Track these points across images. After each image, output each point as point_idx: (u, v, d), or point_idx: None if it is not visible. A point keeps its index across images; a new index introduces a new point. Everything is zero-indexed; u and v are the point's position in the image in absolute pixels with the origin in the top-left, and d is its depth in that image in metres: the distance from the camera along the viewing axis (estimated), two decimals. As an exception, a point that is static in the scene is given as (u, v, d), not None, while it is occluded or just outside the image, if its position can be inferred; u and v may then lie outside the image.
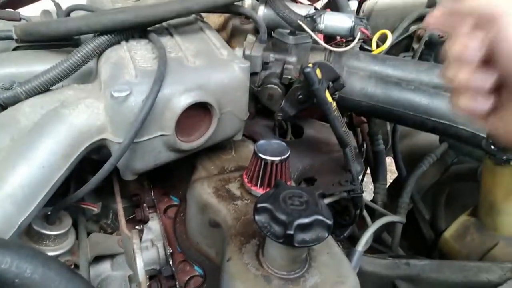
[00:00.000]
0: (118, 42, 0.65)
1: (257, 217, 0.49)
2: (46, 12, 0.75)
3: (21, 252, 0.38)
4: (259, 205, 0.49)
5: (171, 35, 0.71)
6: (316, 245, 0.56)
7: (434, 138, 1.14)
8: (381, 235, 1.14)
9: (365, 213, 0.94)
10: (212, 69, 0.63)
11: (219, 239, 0.65)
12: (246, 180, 0.66)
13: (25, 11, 0.94)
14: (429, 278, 0.65)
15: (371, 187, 1.19)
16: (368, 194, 1.38)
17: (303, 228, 0.47)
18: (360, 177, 0.82)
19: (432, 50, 1.27)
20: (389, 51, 1.24)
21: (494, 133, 0.41)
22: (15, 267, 0.37)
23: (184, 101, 0.58)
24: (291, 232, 0.46)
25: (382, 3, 1.30)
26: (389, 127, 1.26)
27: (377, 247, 1.11)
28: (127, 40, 0.66)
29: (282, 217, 0.47)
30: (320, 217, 0.48)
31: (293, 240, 0.46)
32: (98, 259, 0.71)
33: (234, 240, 0.58)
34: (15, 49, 0.72)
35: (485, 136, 0.71)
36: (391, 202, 1.12)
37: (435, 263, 0.67)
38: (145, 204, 0.80)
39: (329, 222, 0.48)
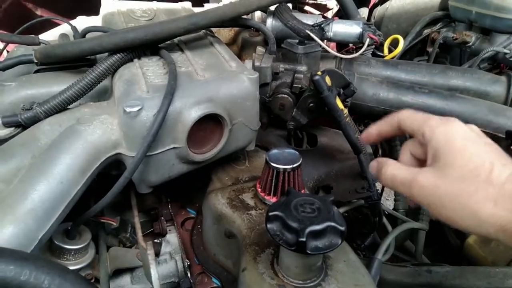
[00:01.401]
0: (131, 60, 0.68)
1: (269, 226, 0.49)
2: (63, 36, 0.78)
3: (38, 264, 0.39)
4: (270, 213, 0.49)
5: (182, 50, 0.73)
6: (332, 253, 0.56)
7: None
8: (404, 243, 1.11)
9: (385, 220, 0.92)
10: (221, 81, 0.64)
11: (235, 249, 0.65)
12: (259, 189, 0.66)
13: (45, 36, 0.99)
14: (452, 286, 0.63)
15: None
16: (392, 203, 1.35)
17: (316, 235, 0.46)
18: (376, 184, 0.80)
19: (447, 52, 1.26)
20: (403, 56, 1.23)
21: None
22: (33, 279, 0.38)
23: (194, 113, 0.60)
24: (303, 239, 0.45)
25: (393, 8, 1.29)
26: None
27: (401, 256, 1.08)
28: (139, 58, 0.68)
29: (294, 224, 0.47)
30: (333, 224, 0.47)
31: (306, 247, 0.46)
32: (118, 272, 0.72)
33: (249, 250, 0.58)
34: (36, 71, 0.76)
35: (504, 136, 0.69)
36: (415, 209, 1.09)
37: (458, 269, 0.64)
38: (162, 218, 0.81)
39: (342, 228, 0.47)
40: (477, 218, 0.41)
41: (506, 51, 1.03)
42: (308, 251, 0.46)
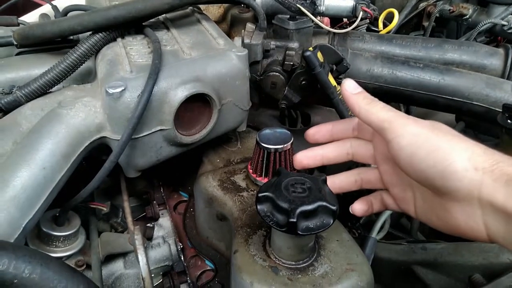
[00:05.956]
0: (114, 39, 0.65)
1: (259, 207, 0.48)
2: (44, 16, 0.75)
3: (18, 253, 0.38)
4: (260, 195, 0.48)
5: (168, 28, 0.70)
6: (325, 233, 0.55)
7: (450, 118, 1.09)
8: (400, 220, 1.11)
9: (381, 198, 0.91)
10: (208, 60, 0.62)
11: (227, 232, 0.64)
12: (251, 170, 0.65)
13: (27, 17, 0.96)
14: (447, 262, 0.62)
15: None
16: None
17: (307, 215, 0.45)
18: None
19: (443, 26, 1.22)
20: (399, 31, 1.20)
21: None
22: (12, 268, 0.37)
23: (181, 93, 0.57)
24: (294, 220, 0.44)
25: (388, -19, 1.25)
26: (403, 109, 1.22)
27: (397, 233, 1.08)
28: (122, 37, 0.66)
29: (284, 205, 0.45)
30: (324, 203, 0.46)
31: (297, 228, 0.45)
32: (111, 258, 0.71)
33: (241, 232, 0.57)
34: (17, 54, 0.73)
35: (500, 110, 0.67)
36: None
37: (453, 245, 0.63)
38: (155, 202, 0.80)
39: (334, 208, 0.46)
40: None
41: (504, 22, 1.00)
42: (299, 232, 0.45)
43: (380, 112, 0.48)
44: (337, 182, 0.57)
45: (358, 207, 0.56)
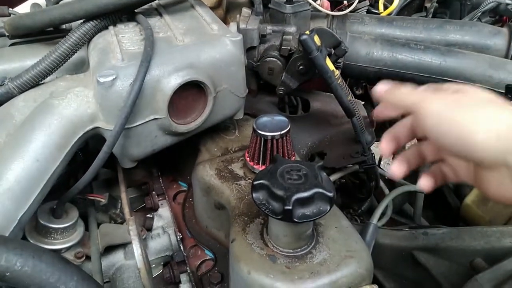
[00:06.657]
0: (106, 27, 0.64)
1: (254, 195, 0.47)
2: (35, 5, 0.74)
3: (10, 245, 0.38)
4: (256, 182, 0.47)
5: (160, 15, 0.69)
6: (323, 220, 0.54)
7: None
8: (403, 207, 1.10)
9: (382, 184, 0.90)
10: (202, 46, 0.60)
11: (226, 221, 0.64)
12: (248, 159, 0.64)
13: (21, 8, 0.94)
14: (448, 247, 0.61)
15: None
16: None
17: (303, 202, 0.44)
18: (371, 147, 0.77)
19: (446, 7, 1.19)
20: (400, 13, 1.17)
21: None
22: (4, 261, 0.37)
23: (174, 81, 0.56)
24: (289, 207, 0.43)
25: (389, -38, 1.22)
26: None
27: (400, 219, 1.07)
28: (114, 24, 0.64)
29: (280, 192, 0.45)
30: (320, 190, 0.45)
31: (293, 215, 0.44)
32: (111, 249, 0.71)
33: (238, 220, 0.56)
34: (11, 45, 0.72)
35: (503, 92, 0.65)
36: (415, 172, 1.06)
37: (454, 230, 0.62)
38: (154, 192, 0.79)
39: (330, 194, 0.45)
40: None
41: (508, 1, 0.97)
42: (295, 219, 0.44)
43: (407, 97, 0.46)
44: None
45: (424, 183, 0.52)
